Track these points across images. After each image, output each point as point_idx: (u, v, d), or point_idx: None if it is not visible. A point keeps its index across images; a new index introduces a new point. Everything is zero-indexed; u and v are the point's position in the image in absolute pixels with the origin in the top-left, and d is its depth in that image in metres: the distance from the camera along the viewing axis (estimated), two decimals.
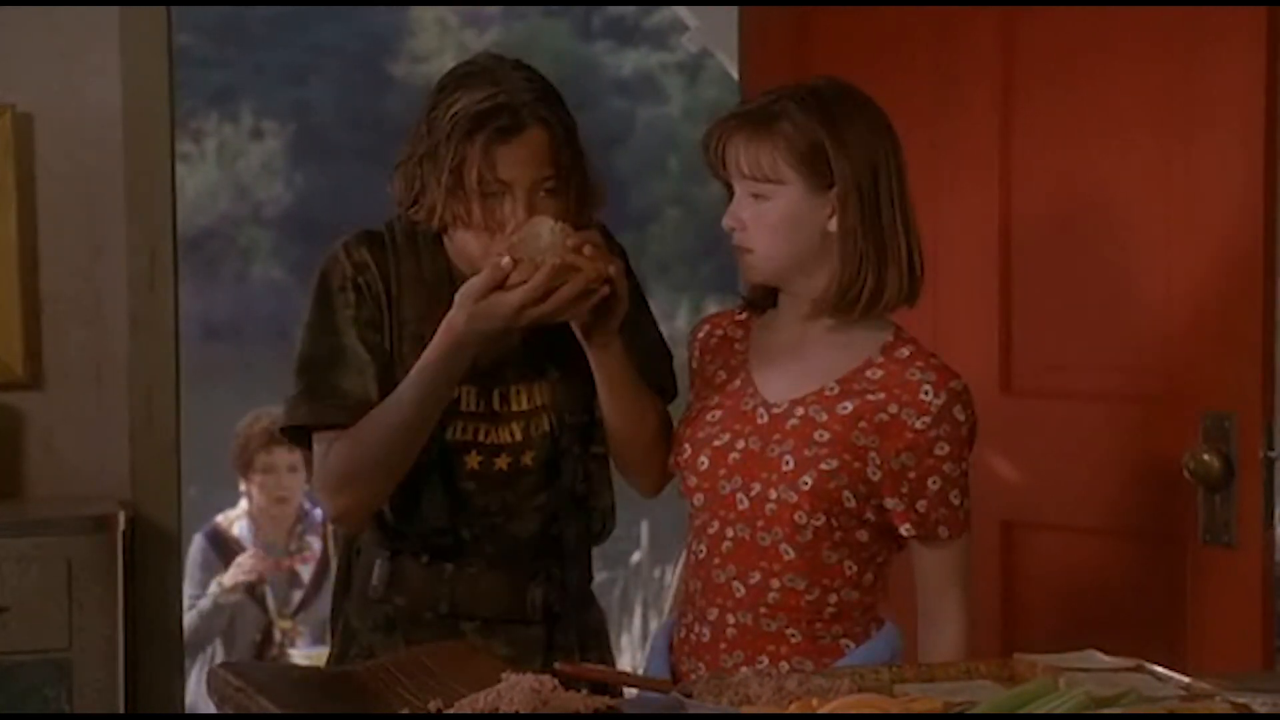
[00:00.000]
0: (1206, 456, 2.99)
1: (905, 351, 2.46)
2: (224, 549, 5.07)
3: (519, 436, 2.52)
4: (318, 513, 5.10)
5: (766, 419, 2.43)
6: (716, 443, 2.43)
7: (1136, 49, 3.11)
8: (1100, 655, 2.28)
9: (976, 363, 3.31)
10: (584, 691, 1.97)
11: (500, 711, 1.85)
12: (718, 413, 2.46)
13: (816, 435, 2.39)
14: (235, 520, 5.14)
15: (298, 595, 5.07)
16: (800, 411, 2.41)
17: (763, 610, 2.40)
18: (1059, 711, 1.86)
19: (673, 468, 2.51)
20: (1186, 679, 2.17)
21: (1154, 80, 3.09)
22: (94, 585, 3.19)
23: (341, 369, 2.46)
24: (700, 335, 2.59)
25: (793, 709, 1.90)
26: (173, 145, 3.55)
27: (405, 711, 1.90)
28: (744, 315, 2.56)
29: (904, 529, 2.42)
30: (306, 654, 4.90)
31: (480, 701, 1.90)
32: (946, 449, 2.41)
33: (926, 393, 2.41)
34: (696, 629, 2.44)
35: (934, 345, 3.15)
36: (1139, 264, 3.13)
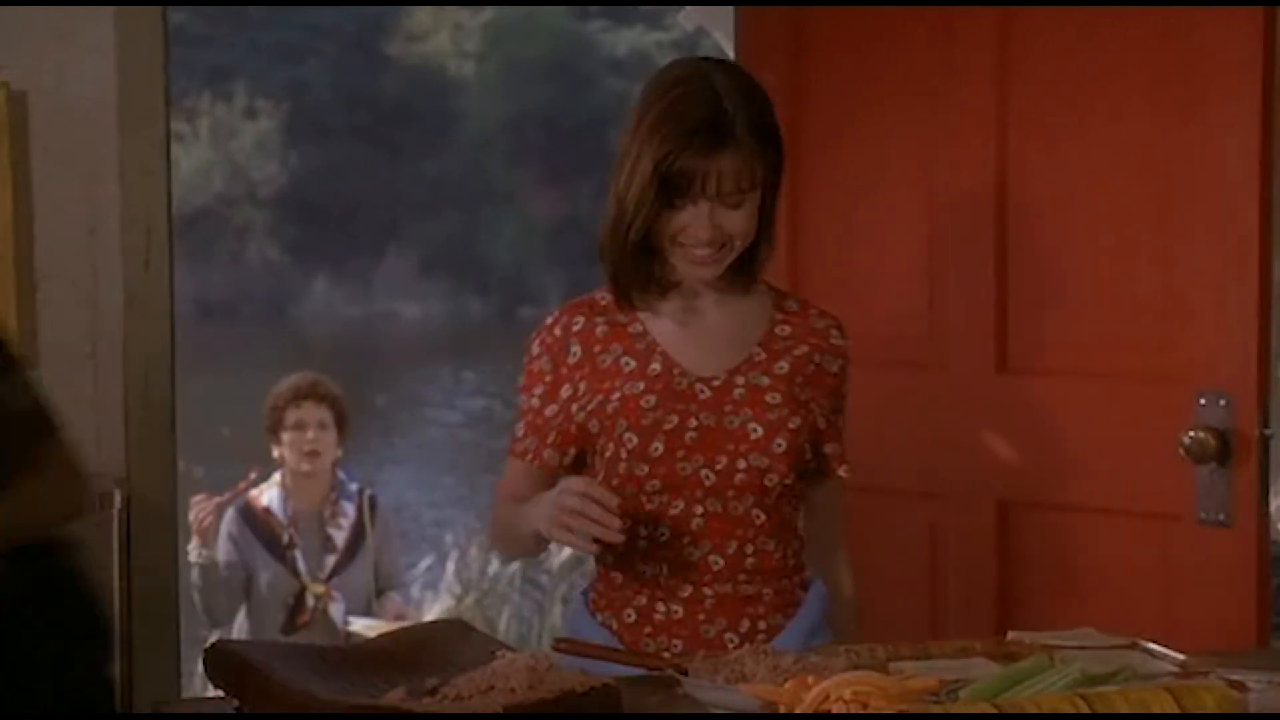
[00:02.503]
0: (1202, 435, 2.99)
1: (793, 304, 2.55)
2: (254, 521, 4.99)
3: None
4: (354, 484, 5.11)
5: (708, 393, 2.42)
6: (666, 426, 2.40)
7: (1134, 27, 3.11)
8: (1095, 633, 2.29)
9: (972, 341, 3.32)
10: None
11: (496, 688, 1.86)
12: (651, 398, 2.40)
13: (768, 398, 2.42)
14: (266, 491, 5.06)
15: (331, 560, 5.00)
16: (741, 380, 2.44)
17: (741, 577, 2.42)
18: (1053, 689, 1.86)
19: (608, 462, 2.41)
20: (1181, 656, 2.18)
21: (1151, 59, 3.09)
22: (89, 563, 3.19)
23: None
24: (573, 329, 2.48)
25: (787, 686, 1.90)
26: (168, 123, 3.54)
27: (401, 689, 1.90)
28: (606, 301, 2.49)
29: (842, 470, 2.54)
30: (365, 623, 4.88)
31: (476, 679, 1.90)
32: (847, 385, 2.55)
33: (835, 336, 2.54)
34: (662, 608, 2.42)
35: (929, 324, 3.17)
36: (1135, 242, 3.13)
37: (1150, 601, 3.09)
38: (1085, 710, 1.69)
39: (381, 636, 2.20)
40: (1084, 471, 3.21)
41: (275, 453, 5.09)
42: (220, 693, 2.01)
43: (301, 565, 4.97)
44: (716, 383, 2.43)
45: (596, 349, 2.47)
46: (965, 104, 3.32)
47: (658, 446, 2.39)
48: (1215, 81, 2.98)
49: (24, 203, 3.44)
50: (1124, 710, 1.70)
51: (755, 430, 2.40)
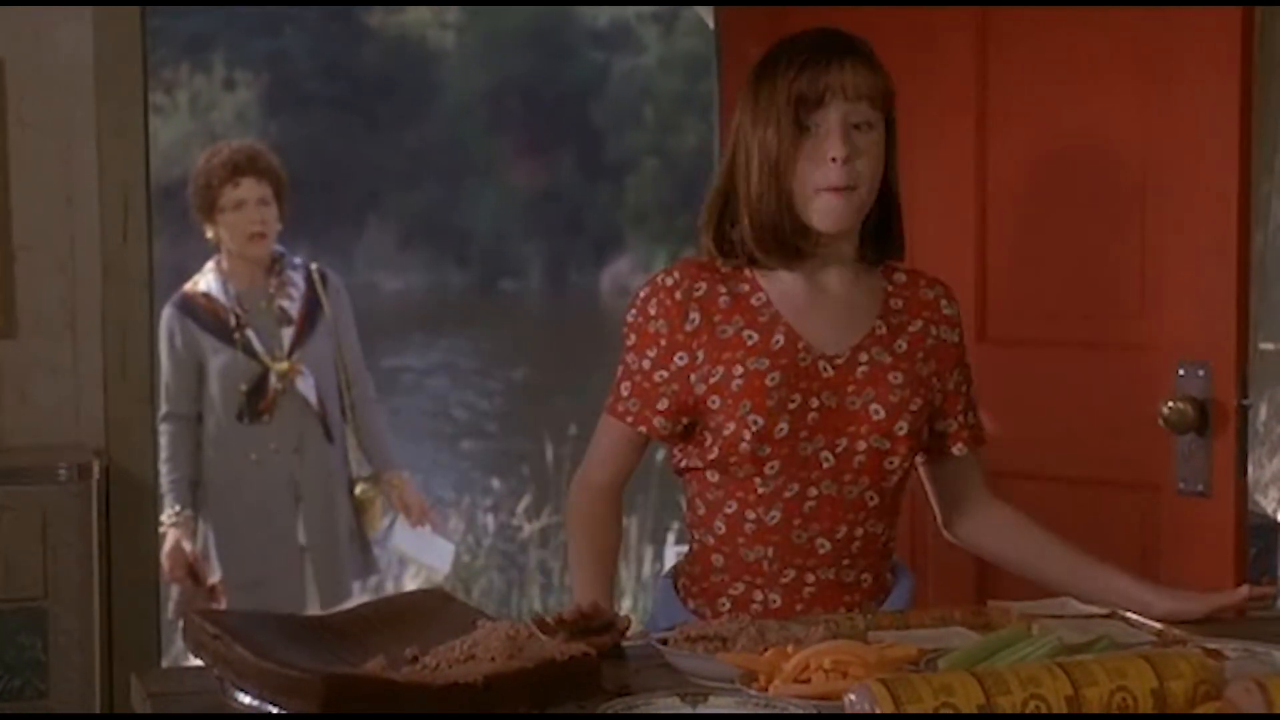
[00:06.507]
0: (1181, 405, 3.00)
1: (901, 276, 2.48)
2: (194, 310, 4.55)
3: None
4: (298, 259, 4.70)
5: (831, 372, 2.36)
6: (790, 406, 2.33)
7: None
8: (1074, 602, 2.30)
9: None
10: (560, 637, 1.98)
11: (476, 657, 1.86)
12: (775, 375, 2.34)
13: (891, 378, 2.37)
14: (200, 279, 4.61)
15: (289, 333, 4.60)
16: (864, 358, 2.38)
17: (845, 562, 2.39)
18: (1032, 658, 1.87)
19: (726, 440, 2.34)
20: (1159, 626, 2.18)
21: (1131, 28, 3.09)
22: (69, 533, 3.19)
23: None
24: (694, 294, 2.39)
25: (767, 656, 1.90)
26: (145, 93, 3.53)
27: (380, 658, 1.91)
28: (727, 269, 2.41)
29: (956, 449, 2.48)
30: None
31: (456, 648, 1.90)
32: (969, 354, 2.49)
33: (946, 306, 2.48)
34: (761, 596, 2.37)
35: None
36: (1115, 212, 3.14)
37: (1129, 571, 3.10)
38: (1064, 678, 1.69)
39: (362, 605, 2.20)
40: (1064, 441, 3.22)
41: (209, 233, 4.62)
42: (200, 662, 2.01)
43: (257, 344, 4.57)
44: (839, 360, 2.37)
45: (717, 319, 2.38)
46: (945, 78, 3.32)
47: (783, 428, 2.33)
48: (1194, 52, 2.98)
49: (1, 173, 3.43)
50: (1102, 678, 1.70)
51: (877, 412, 2.35)
